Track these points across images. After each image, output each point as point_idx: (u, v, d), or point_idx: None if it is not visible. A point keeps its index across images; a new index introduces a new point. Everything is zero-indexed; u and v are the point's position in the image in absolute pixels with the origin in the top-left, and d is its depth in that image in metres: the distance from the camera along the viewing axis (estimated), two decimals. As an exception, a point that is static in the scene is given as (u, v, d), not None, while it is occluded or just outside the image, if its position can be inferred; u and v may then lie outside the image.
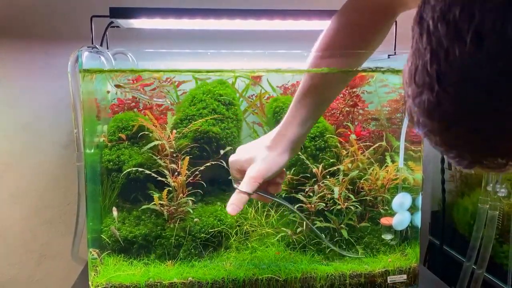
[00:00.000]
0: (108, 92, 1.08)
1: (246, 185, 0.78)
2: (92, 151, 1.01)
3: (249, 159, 0.80)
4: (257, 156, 0.79)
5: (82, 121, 0.96)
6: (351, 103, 1.08)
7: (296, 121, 0.80)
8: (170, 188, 0.97)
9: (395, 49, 1.12)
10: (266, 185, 0.83)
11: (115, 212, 0.99)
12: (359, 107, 1.09)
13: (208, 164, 1.01)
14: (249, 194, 0.78)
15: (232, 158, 0.83)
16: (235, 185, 0.81)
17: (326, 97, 0.84)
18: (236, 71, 1.05)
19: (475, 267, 1.15)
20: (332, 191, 1.00)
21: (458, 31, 0.31)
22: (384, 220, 1.00)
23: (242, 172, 0.80)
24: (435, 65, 0.33)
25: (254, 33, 1.26)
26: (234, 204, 0.78)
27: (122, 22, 1.07)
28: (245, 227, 1.03)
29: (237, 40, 1.31)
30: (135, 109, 1.09)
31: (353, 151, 1.02)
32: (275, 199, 0.85)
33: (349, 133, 1.03)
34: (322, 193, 1.00)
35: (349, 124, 1.05)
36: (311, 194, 1.01)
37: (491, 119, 0.32)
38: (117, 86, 1.00)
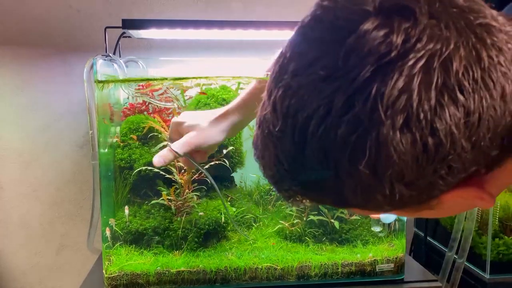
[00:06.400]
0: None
1: (180, 146, 0.76)
2: (106, 150, 1.01)
3: (191, 125, 0.78)
4: (199, 125, 0.77)
5: (97, 123, 0.96)
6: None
7: (243, 110, 0.78)
8: (177, 185, 0.98)
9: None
10: (194, 152, 0.80)
11: (126, 211, 0.99)
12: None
13: (212, 162, 1.01)
14: (178, 155, 0.76)
15: (175, 119, 0.80)
16: (169, 143, 0.78)
17: None
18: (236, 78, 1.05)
19: (456, 257, 1.15)
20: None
21: None
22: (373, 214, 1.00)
23: (180, 135, 0.78)
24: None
25: (254, 43, 1.26)
26: (161, 157, 0.76)
27: (133, 32, 1.07)
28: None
29: (238, 48, 1.31)
30: (145, 112, 1.09)
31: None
32: (200, 168, 0.82)
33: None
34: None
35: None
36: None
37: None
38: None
